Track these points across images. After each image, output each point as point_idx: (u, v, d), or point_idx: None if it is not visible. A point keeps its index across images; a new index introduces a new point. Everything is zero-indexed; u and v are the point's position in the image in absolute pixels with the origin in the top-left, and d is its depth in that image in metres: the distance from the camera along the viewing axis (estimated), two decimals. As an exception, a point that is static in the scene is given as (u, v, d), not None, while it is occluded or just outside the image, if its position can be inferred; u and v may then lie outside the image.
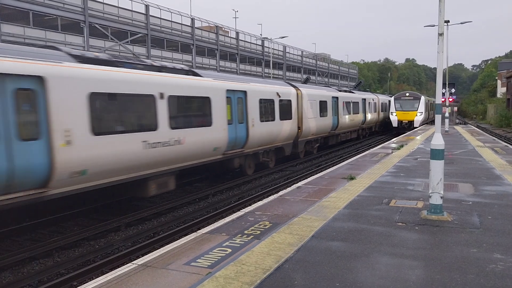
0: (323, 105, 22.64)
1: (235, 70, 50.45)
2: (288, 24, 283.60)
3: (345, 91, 29.77)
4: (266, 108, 16.45)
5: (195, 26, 44.68)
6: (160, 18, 40.12)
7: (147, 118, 10.36)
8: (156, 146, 10.49)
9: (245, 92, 14.98)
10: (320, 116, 22.16)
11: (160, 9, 40.19)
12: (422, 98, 37.01)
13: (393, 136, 32.40)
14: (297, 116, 19.38)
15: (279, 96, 17.58)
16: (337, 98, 25.36)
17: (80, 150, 8.46)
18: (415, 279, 4.47)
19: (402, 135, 28.71)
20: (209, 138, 12.67)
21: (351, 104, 28.28)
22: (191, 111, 12.26)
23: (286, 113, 18.13)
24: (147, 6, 38.42)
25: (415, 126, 35.99)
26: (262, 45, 57.41)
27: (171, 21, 41.51)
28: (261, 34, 68.67)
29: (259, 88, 16.10)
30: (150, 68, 11.02)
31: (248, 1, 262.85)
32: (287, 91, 18.52)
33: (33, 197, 7.72)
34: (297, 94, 19.72)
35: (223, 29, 51.21)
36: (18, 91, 7.47)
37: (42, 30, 29.87)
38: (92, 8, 33.14)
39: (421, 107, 36.47)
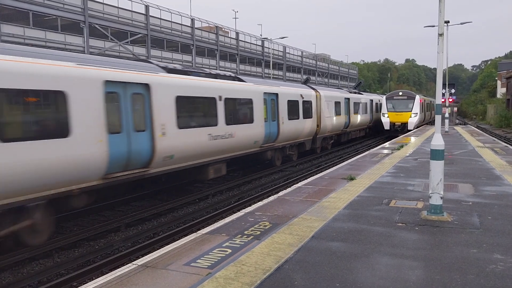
0: (337, 105, 25.16)
1: (235, 71, 50.45)
2: (288, 24, 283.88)
3: (355, 92, 31.63)
4: (292, 108, 18.79)
5: (195, 26, 44.70)
6: (160, 19, 40.14)
7: (211, 116, 12.97)
8: (216, 138, 13.10)
9: (276, 94, 17.42)
10: (335, 115, 24.67)
11: (160, 10, 40.21)
12: (417, 97, 33.60)
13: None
14: (316, 115, 21.68)
15: (302, 98, 19.96)
16: (348, 99, 27.71)
17: (170, 140, 10.98)
18: (415, 279, 4.46)
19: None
20: (251, 133, 15.17)
21: (360, 104, 30.62)
22: (239, 110, 14.70)
23: (307, 112, 20.48)
24: (147, 7, 38.43)
25: (409, 128, 32.46)
26: (262, 46, 57.43)
27: (171, 22, 41.53)
28: (261, 35, 68.79)
29: (287, 91, 18.62)
30: (209, 76, 13.61)
31: (248, 1, 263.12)
32: (308, 93, 20.94)
33: (139, 174, 10.18)
34: (316, 95, 22.10)
35: (223, 29, 51.23)
36: (133, 95, 9.96)
37: (42, 30, 29.87)
38: (92, 8, 33.15)
39: (416, 108, 32.93)
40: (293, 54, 66.11)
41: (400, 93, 33.98)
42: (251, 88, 15.55)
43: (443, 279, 4.46)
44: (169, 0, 51.66)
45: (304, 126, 19.98)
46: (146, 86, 10.27)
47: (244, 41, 53.99)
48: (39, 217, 8.04)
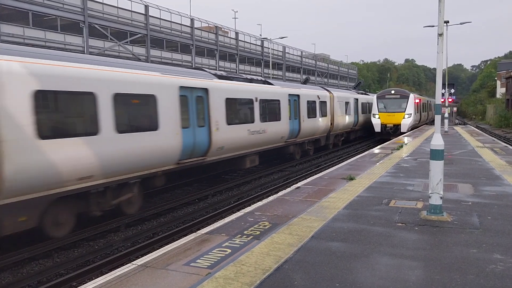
0: (347, 105, 27.45)
1: (235, 71, 50.45)
2: (287, 24, 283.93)
3: (362, 93, 33.13)
4: (311, 108, 21.23)
5: (195, 26, 44.67)
6: (160, 19, 40.11)
7: (249, 115, 15.39)
8: (253, 133, 15.54)
9: (298, 96, 19.91)
10: (345, 114, 27.04)
11: (160, 10, 40.19)
12: (411, 96, 30.52)
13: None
14: (330, 114, 24.12)
15: (319, 98, 22.48)
16: (357, 99, 30.00)
17: (222, 134, 13.39)
18: (414, 279, 4.46)
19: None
20: (279, 129, 17.66)
21: (367, 104, 32.67)
22: (269, 110, 16.97)
23: (323, 111, 22.97)
24: (146, 7, 38.41)
25: (402, 131, 29.33)
26: (262, 46, 57.41)
27: (171, 22, 41.50)
28: (260, 35, 68.78)
29: (307, 92, 21.13)
30: (246, 80, 16.10)
31: (247, 1, 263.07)
32: (324, 94, 23.46)
33: (199, 161, 12.54)
34: (330, 96, 24.51)
35: (223, 29, 51.21)
36: (197, 97, 12.43)
37: (42, 30, 29.85)
38: (91, 8, 33.13)
39: (410, 108, 29.84)
40: (293, 54, 66.12)
41: (393, 92, 30.76)
42: (279, 90, 18.12)
43: (443, 279, 4.46)
44: (169, 0, 51.71)
45: (320, 124, 22.47)
46: (205, 90, 12.84)
47: (244, 41, 53.98)
48: (136, 191, 10.52)
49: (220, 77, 14.23)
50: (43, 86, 7.99)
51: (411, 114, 29.72)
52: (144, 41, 38.86)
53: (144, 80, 10.35)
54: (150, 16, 38.76)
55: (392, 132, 29.43)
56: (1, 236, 7.53)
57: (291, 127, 18.94)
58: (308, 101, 20.89)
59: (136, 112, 10.22)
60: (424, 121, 39.78)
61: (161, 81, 10.96)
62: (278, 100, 17.75)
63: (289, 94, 18.93)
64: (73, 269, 7.62)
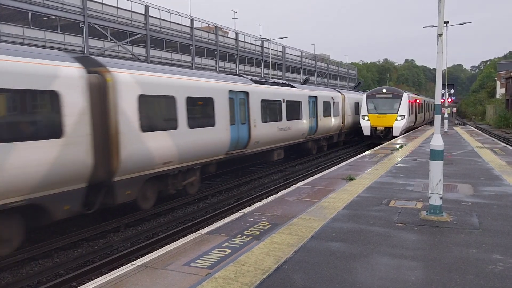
0: (356, 105, 29.50)
1: (234, 71, 50.45)
2: (287, 24, 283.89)
3: None
4: (326, 108, 23.69)
5: (195, 26, 44.66)
6: (159, 19, 40.10)
7: (278, 114, 17.82)
8: (281, 130, 17.98)
9: (316, 97, 22.33)
10: (355, 114, 29.08)
11: (160, 10, 40.18)
12: (405, 95, 27.43)
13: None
14: (341, 114, 26.25)
15: (333, 99, 24.82)
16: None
17: (258, 130, 15.76)
18: (414, 279, 4.47)
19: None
20: (300, 127, 20.11)
21: None
22: (293, 109, 19.34)
23: (336, 111, 25.27)
24: (146, 7, 38.40)
25: (394, 134, 26.44)
26: (262, 46, 57.41)
27: (170, 22, 41.49)
28: (260, 35, 68.79)
29: (323, 94, 23.66)
30: (274, 84, 18.74)
31: (247, 1, 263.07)
32: (336, 95, 25.78)
33: (241, 153, 14.94)
34: (342, 97, 26.68)
35: (223, 29, 51.19)
36: (240, 99, 14.82)
37: (41, 30, 29.84)
38: (91, 8, 33.12)
39: (403, 108, 26.83)
40: (293, 55, 66.12)
41: (384, 91, 27.83)
42: (300, 92, 20.54)
43: (443, 279, 4.46)
44: (169, 0, 51.71)
45: (334, 122, 24.71)
46: (246, 93, 15.24)
47: (244, 42, 53.97)
48: (198, 176, 12.85)
49: (256, 82, 16.82)
50: (143, 91, 10.30)
51: (404, 115, 26.77)
52: (143, 41, 38.85)
53: (205, 86, 12.90)
54: (150, 16, 38.75)
55: (383, 136, 26.54)
56: (116, 204, 9.72)
57: (310, 125, 21.33)
58: (324, 101, 23.35)
59: (201, 112, 12.76)
60: (420, 123, 36.76)
61: (216, 87, 13.51)
62: (300, 101, 20.19)
63: (309, 96, 21.33)
64: (72, 269, 7.62)
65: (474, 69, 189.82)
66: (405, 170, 12.16)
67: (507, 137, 35.36)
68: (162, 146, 10.74)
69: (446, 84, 32.12)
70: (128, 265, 5.14)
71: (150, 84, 10.56)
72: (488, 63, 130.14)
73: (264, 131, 16.27)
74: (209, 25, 47.79)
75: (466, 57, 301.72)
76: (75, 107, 8.44)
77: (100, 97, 9.31)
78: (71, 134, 8.28)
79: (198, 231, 6.46)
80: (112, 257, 7.88)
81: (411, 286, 4.31)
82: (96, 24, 33.42)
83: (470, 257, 5.09)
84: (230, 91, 14.12)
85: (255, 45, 56.50)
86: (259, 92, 16.24)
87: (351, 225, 6.52)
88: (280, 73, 61.11)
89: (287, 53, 63.78)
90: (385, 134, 26.52)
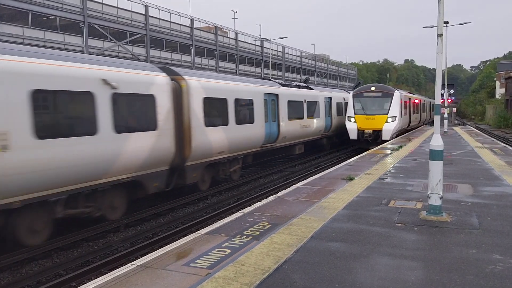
0: None
1: (234, 71, 50.42)
2: (287, 24, 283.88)
3: None
4: (339, 107, 26.29)
5: (194, 26, 44.64)
6: (159, 19, 40.08)
7: (300, 112, 20.26)
8: (303, 127, 20.52)
9: (331, 98, 25.01)
10: None
11: (159, 10, 40.17)
12: (396, 94, 24.20)
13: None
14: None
15: (344, 100, 27.18)
16: None
17: (285, 127, 18.33)
18: (414, 279, 4.47)
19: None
20: (318, 125, 22.61)
21: None
22: (312, 109, 21.78)
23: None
24: (146, 7, 38.38)
25: (384, 138, 23.30)
26: (261, 46, 57.39)
27: (170, 22, 41.48)
28: (260, 35, 68.77)
29: (336, 95, 26.40)
30: (296, 86, 21.26)
31: (247, 1, 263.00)
32: (347, 96, 27.04)
33: (270, 147, 17.48)
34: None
35: (222, 29, 51.17)
36: (271, 100, 17.36)
37: (41, 30, 29.82)
38: (91, 8, 33.10)
39: (394, 109, 23.65)
40: (292, 55, 66.10)
41: (373, 88, 24.71)
42: (318, 93, 23.06)
43: (442, 279, 4.46)
44: (169, 0, 51.69)
45: (345, 120, 25.62)
46: (276, 95, 17.86)
47: (243, 42, 53.94)
48: (240, 164, 15.52)
49: (283, 85, 19.66)
50: (206, 94, 12.91)
51: (395, 117, 23.59)
52: (143, 41, 38.84)
53: (247, 89, 15.60)
54: (150, 16, 38.73)
55: (371, 140, 23.55)
56: (186, 184, 12.28)
57: (326, 123, 23.70)
58: (337, 102, 25.85)
59: (244, 111, 15.28)
60: (415, 125, 33.45)
61: (255, 90, 16.16)
62: (318, 101, 22.58)
63: (325, 97, 23.82)
64: (72, 269, 7.62)
65: (473, 69, 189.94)
66: (405, 170, 12.16)
67: (506, 137, 35.38)
68: (218, 139, 13.38)
69: (446, 84, 32.11)
70: (128, 265, 5.14)
71: (210, 89, 13.19)
72: (487, 63, 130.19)
73: (290, 128, 18.83)
74: (209, 25, 47.77)
75: (466, 57, 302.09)
76: (164, 107, 11.00)
77: (177, 99, 11.78)
78: (162, 128, 10.85)
79: (198, 231, 6.46)
80: (112, 257, 7.87)
81: (411, 286, 4.31)
82: (95, 24, 33.41)
83: (469, 257, 5.09)
84: (265, 93, 16.83)
85: (255, 45, 56.46)
86: (286, 94, 18.82)
87: (351, 225, 6.52)
88: (279, 73, 61.08)
89: (287, 53, 63.77)
90: (374, 138, 23.61)
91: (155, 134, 10.56)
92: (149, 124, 10.48)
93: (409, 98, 29.42)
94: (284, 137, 18.28)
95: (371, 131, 23.58)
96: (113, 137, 9.36)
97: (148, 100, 10.46)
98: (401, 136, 26.08)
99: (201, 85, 12.68)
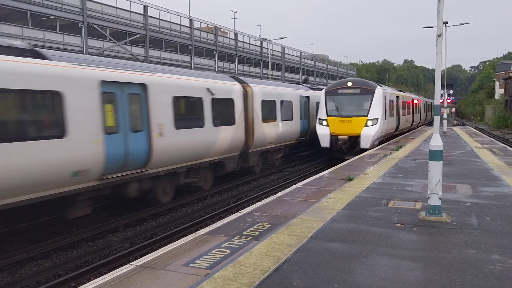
0: None
1: (234, 71, 50.41)
2: (286, 25, 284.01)
3: None
4: None
5: (194, 26, 44.63)
6: (159, 19, 40.07)
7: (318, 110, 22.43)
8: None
9: None
10: None
11: (159, 10, 40.16)
12: (379, 90, 19.38)
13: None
14: None
15: None
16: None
17: (313, 123, 21.57)
18: (413, 280, 4.47)
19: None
20: None
21: None
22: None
23: None
24: (145, 7, 38.37)
25: (362, 147, 18.55)
26: (261, 46, 57.39)
27: (170, 22, 41.46)
28: (259, 35, 68.73)
29: None
30: (319, 89, 24.00)
31: (247, 1, 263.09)
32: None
33: (303, 140, 21.41)
34: None
35: (222, 29, 51.15)
36: (304, 101, 21.47)
37: (41, 30, 29.81)
38: (90, 8, 33.08)
39: (376, 109, 18.92)
40: (292, 55, 66.11)
41: (349, 84, 19.74)
42: (321, 94, 26.03)
43: (442, 279, 4.47)
44: (168, 0, 51.66)
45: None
46: (308, 97, 21.88)
47: (243, 42, 53.94)
48: (282, 153, 19.32)
49: (310, 88, 23.97)
50: (263, 97, 16.57)
51: (377, 119, 18.81)
52: (143, 42, 38.82)
53: (289, 92, 19.59)
54: (149, 16, 38.72)
55: (346, 148, 18.82)
56: (249, 166, 16.04)
57: None
58: None
59: (286, 110, 18.78)
60: (406, 128, 29.18)
61: (294, 92, 20.16)
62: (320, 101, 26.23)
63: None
64: (72, 269, 7.62)
65: (473, 69, 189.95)
66: (404, 170, 12.17)
67: (506, 138, 35.41)
68: (270, 132, 17.04)
69: (445, 84, 32.15)
70: (127, 265, 5.14)
71: (265, 93, 16.88)
72: (487, 63, 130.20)
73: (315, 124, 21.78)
74: (209, 25, 47.76)
75: (465, 58, 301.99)
76: (238, 107, 14.77)
77: (244, 101, 15.36)
78: (237, 123, 14.63)
79: (198, 232, 6.46)
80: (111, 258, 7.87)
81: (410, 286, 4.31)
82: (95, 24, 33.39)
83: (469, 258, 5.10)
84: (300, 95, 20.58)
85: (255, 45, 56.46)
86: (314, 96, 22.49)
87: (351, 226, 6.52)
88: (279, 73, 61.09)
89: (286, 53, 63.78)
90: (350, 146, 18.91)
91: (233, 127, 14.38)
92: (230, 120, 14.30)
93: (397, 97, 24.41)
94: (312, 133, 21.47)
95: (346, 137, 18.75)
96: (212, 129, 13.13)
97: (229, 103, 14.31)
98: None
99: (260, 90, 16.38)
